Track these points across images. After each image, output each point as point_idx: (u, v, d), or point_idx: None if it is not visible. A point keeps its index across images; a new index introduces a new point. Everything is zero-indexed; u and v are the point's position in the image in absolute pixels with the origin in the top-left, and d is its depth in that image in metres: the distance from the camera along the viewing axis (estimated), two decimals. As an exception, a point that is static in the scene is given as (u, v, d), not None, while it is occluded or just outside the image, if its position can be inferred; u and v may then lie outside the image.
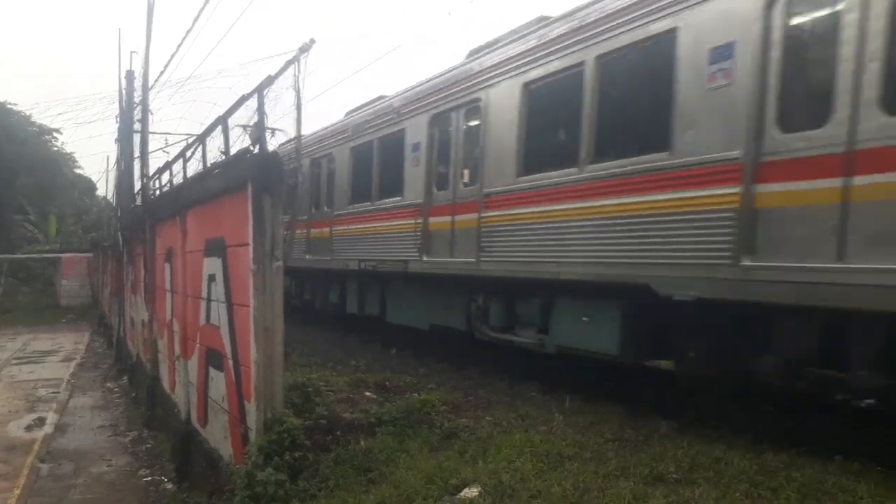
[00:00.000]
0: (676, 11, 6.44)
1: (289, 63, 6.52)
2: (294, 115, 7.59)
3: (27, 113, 36.54)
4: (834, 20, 5.32)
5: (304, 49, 6.56)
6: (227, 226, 6.44)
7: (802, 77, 5.74)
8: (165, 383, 10.10)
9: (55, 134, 40.41)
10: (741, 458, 5.25)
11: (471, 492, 4.67)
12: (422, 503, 4.62)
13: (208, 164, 8.18)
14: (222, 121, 7.46)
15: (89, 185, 46.59)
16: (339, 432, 6.06)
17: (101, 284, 26.75)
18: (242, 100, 6.85)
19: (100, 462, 8.76)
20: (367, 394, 7.80)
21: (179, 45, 12.56)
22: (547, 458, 5.30)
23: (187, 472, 7.65)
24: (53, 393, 12.80)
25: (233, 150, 7.00)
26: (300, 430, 5.47)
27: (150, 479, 8.07)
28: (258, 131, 5.91)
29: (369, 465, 5.55)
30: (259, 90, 6.40)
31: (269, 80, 6.42)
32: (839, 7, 5.28)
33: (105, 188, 35.25)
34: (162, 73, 16.52)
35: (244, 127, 7.14)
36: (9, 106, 36.87)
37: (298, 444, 5.40)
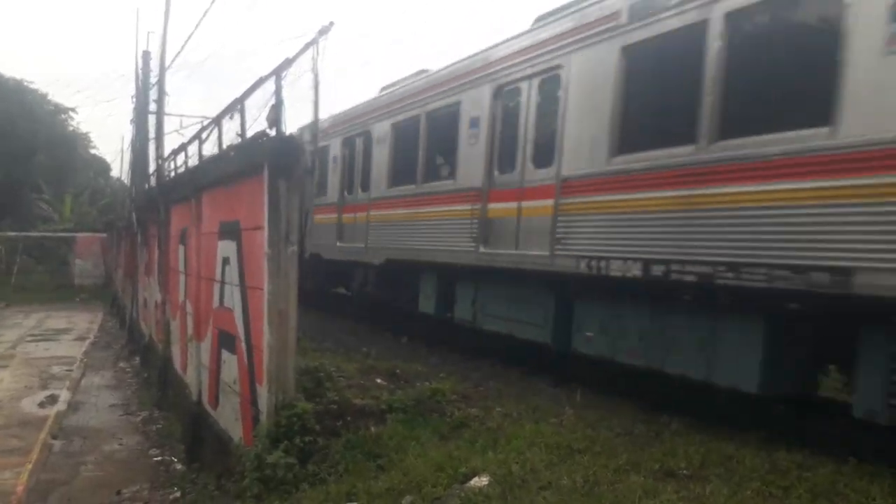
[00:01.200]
0: None
1: (308, 45, 6.50)
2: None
3: (43, 92, 36.82)
4: None
5: (324, 31, 6.52)
6: (242, 209, 6.44)
7: None
8: (177, 364, 10.16)
9: (71, 113, 40.79)
10: (753, 456, 5.21)
11: (480, 481, 4.66)
12: (431, 491, 4.61)
13: (224, 147, 8.18)
14: (238, 103, 7.46)
15: (104, 166, 46.94)
16: (349, 418, 6.06)
17: (115, 265, 26.95)
18: (260, 82, 6.85)
19: (111, 440, 8.84)
20: (378, 381, 7.80)
21: (197, 26, 12.58)
22: (557, 451, 5.28)
23: (197, 453, 7.70)
24: (67, 371, 12.93)
25: (249, 133, 7.00)
26: (311, 415, 5.48)
27: (160, 458, 8.14)
28: (275, 114, 5.89)
29: (379, 451, 5.56)
30: (277, 72, 6.39)
31: (287, 63, 6.41)
32: None
33: (120, 169, 35.52)
34: (178, 53, 16.54)
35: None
36: (25, 84, 37.09)
37: (309, 428, 5.42)
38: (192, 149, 11.29)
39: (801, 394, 6.41)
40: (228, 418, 6.84)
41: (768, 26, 6.14)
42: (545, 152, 8.52)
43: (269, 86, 6.40)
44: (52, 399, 10.66)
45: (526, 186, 8.79)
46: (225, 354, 7.06)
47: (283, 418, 5.36)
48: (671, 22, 6.73)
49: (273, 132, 5.77)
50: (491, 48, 9.93)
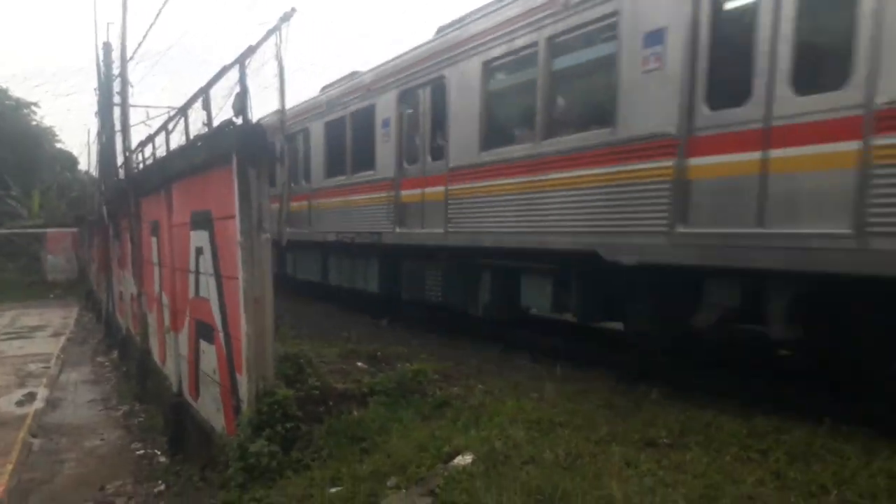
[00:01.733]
0: None
1: (270, 32, 6.39)
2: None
3: (3, 86, 35.89)
4: None
5: (286, 18, 6.41)
6: (212, 198, 6.35)
7: None
8: (156, 356, 10.06)
9: (33, 108, 39.80)
10: (731, 422, 5.32)
11: (464, 459, 4.70)
12: (415, 471, 4.64)
13: (191, 137, 8.05)
14: (203, 92, 7.33)
15: (71, 160, 45.98)
16: (331, 403, 6.07)
17: (88, 259, 26.54)
18: (223, 71, 6.74)
19: (92, 436, 8.75)
20: (359, 364, 7.81)
21: (157, 16, 12.29)
22: (538, 425, 5.34)
23: (180, 445, 7.66)
24: (44, 368, 12.74)
25: (216, 122, 6.89)
26: (292, 401, 5.46)
27: (142, 452, 8.08)
28: (241, 102, 5.80)
29: (362, 434, 5.58)
30: (240, 60, 6.28)
31: (251, 50, 6.31)
32: None
33: (87, 162, 34.84)
34: (140, 44, 16.19)
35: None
36: (-16, 80, 36.11)
37: (290, 415, 5.40)
38: (160, 140, 11.11)
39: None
40: (210, 409, 6.81)
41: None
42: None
43: (234, 75, 6.30)
44: (30, 397, 10.51)
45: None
46: (203, 344, 7.00)
47: (265, 406, 5.34)
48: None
49: (240, 120, 5.66)
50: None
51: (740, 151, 5.69)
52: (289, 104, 15.03)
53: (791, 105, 5.40)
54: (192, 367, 7.50)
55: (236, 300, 5.63)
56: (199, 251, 6.92)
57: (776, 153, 5.45)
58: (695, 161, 6.05)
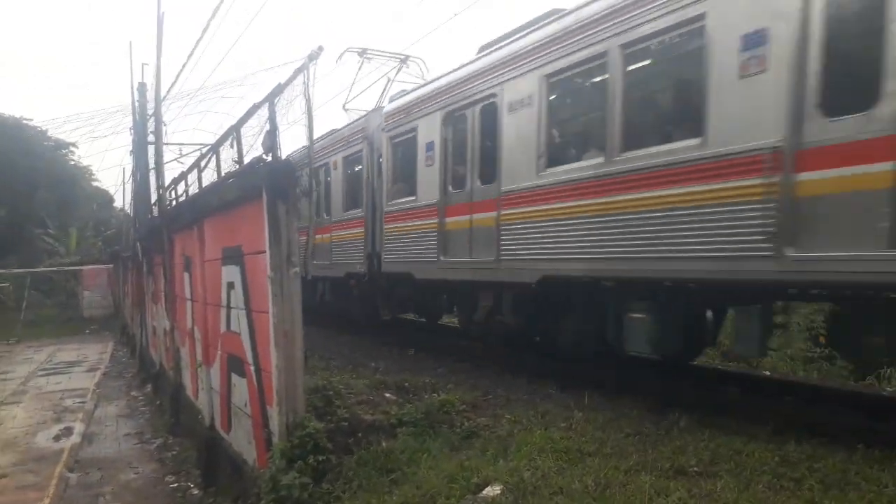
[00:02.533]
0: None
1: (298, 71, 6.60)
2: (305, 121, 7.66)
3: (43, 128, 37.06)
4: None
5: (313, 56, 6.63)
6: (243, 234, 6.52)
7: None
8: (189, 390, 10.22)
9: (71, 148, 40.98)
10: (762, 449, 5.25)
11: (493, 490, 4.71)
12: (445, 502, 4.66)
13: (223, 174, 8.27)
14: (234, 130, 7.56)
15: (107, 198, 47.10)
16: (360, 434, 6.11)
17: (122, 294, 27.06)
18: (254, 109, 6.95)
19: (127, 470, 8.89)
20: (388, 395, 7.85)
21: (189, 56, 12.72)
22: (567, 455, 5.32)
23: (213, 478, 7.75)
24: (80, 403, 12.99)
25: (246, 159, 7.10)
26: (322, 433, 5.53)
27: (176, 485, 8.18)
28: (270, 140, 5.98)
29: (391, 465, 5.60)
30: (269, 99, 6.48)
31: (279, 89, 6.51)
32: None
33: (122, 200, 35.68)
34: (174, 84, 16.70)
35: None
36: (24, 122, 37.40)
37: (321, 447, 5.46)
38: (193, 177, 11.39)
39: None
40: (241, 441, 6.90)
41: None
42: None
43: (264, 112, 6.51)
44: (67, 432, 10.72)
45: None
46: (234, 378, 7.12)
47: (296, 438, 5.41)
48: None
49: (269, 157, 5.83)
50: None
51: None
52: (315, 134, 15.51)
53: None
54: (224, 401, 7.61)
55: (266, 334, 5.74)
56: (230, 286, 7.07)
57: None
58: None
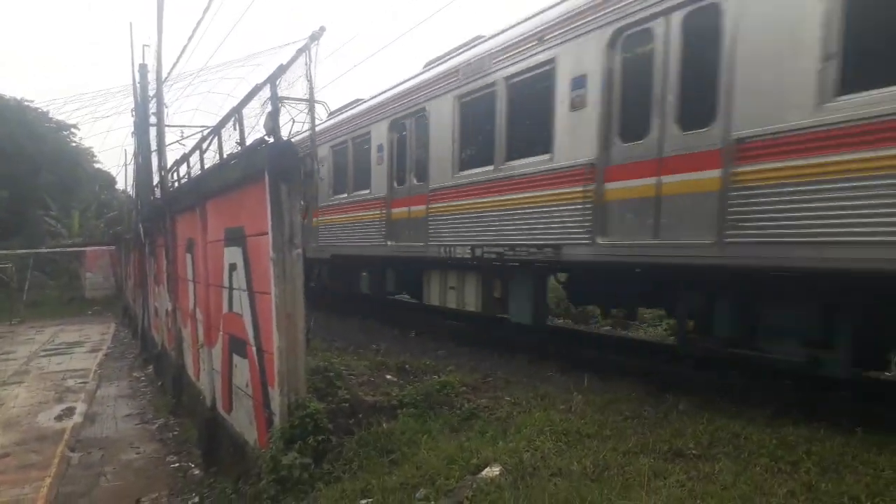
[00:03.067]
0: None
1: (300, 51, 6.56)
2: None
3: (44, 109, 37.02)
4: None
5: (315, 37, 6.59)
6: (245, 215, 6.52)
7: None
8: (190, 371, 10.27)
9: (73, 130, 41.02)
10: (760, 432, 5.28)
11: (492, 471, 4.74)
12: (444, 483, 4.69)
13: (225, 156, 8.25)
14: (236, 112, 7.52)
15: (109, 179, 47.18)
16: (361, 415, 6.15)
17: (125, 276, 27.14)
18: (255, 90, 6.91)
19: (128, 450, 8.96)
20: (388, 377, 7.89)
21: (191, 37, 12.62)
22: (566, 437, 5.36)
23: (214, 458, 7.81)
24: (82, 383, 13.07)
25: (249, 140, 7.07)
26: (323, 414, 5.56)
27: (177, 465, 8.25)
28: (272, 121, 5.96)
29: (391, 446, 5.64)
30: (271, 80, 6.44)
31: (282, 70, 6.47)
32: None
33: (124, 181, 35.69)
34: (175, 65, 16.61)
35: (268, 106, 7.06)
36: (25, 103, 37.34)
37: (321, 427, 5.49)
38: (195, 159, 11.35)
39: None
40: (243, 422, 6.94)
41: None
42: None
43: (266, 93, 6.48)
44: (69, 412, 10.80)
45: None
46: (236, 359, 7.15)
47: (296, 419, 5.45)
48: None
49: (271, 138, 5.82)
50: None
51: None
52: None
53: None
54: (226, 382, 7.65)
55: (269, 315, 5.76)
56: (232, 267, 7.09)
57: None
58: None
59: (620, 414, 6.10)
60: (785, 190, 5.73)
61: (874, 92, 5.13)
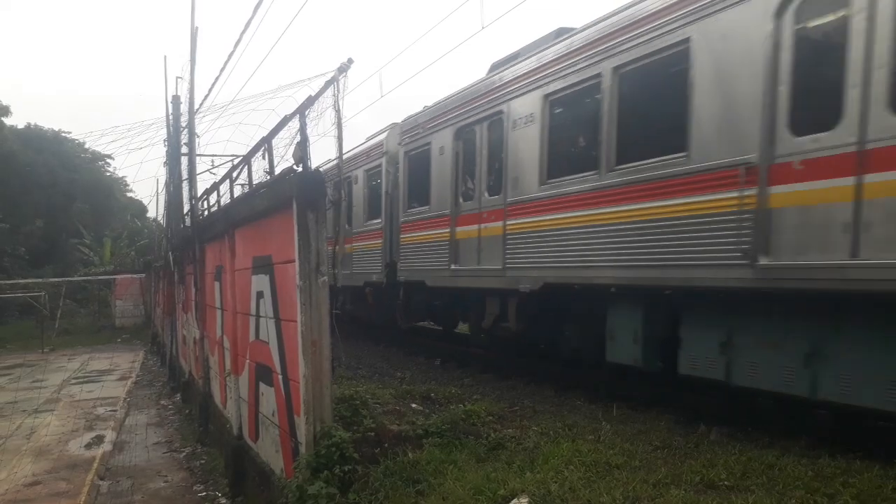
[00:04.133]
0: None
1: (328, 83, 6.66)
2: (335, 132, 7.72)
3: (80, 140, 38.05)
4: None
5: (343, 69, 6.69)
6: (273, 243, 6.60)
7: None
8: (217, 399, 10.33)
9: (107, 160, 42.01)
10: (795, 463, 5.15)
11: (519, 502, 4.67)
12: (471, 514, 4.64)
13: (254, 185, 8.38)
14: (266, 142, 7.65)
15: (141, 208, 48.15)
16: (387, 444, 6.11)
17: (154, 304, 27.51)
18: (284, 121, 7.02)
19: (156, 478, 9.01)
20: (414, 405, 7.86)
21: (222, 70, 12.91)
22: (595, 468, 5.27)
23: (241, 487, 7.81)
24: (111, 411, 13.21)
25: (277, 170, 7.18)
26: (349, 443, 5.53)
27: (204, 494, 8.27)
28: (301, 151, 6.04)
29: (418, 476, 5.59)
30: (300, 111, 6.54)
31: (310, 101, 6.56)
32: None
33: (156, 210, 36.37)
34: (206, 96, 16.95)
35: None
36: (63, 134, 38.43)
37: (347, 456, 5.47)
38: (224, 188, 11.54)
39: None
40: (269, 451, 6.95)
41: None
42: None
43: (295, 124, 6.59)
44: (98, 440, 10.91)
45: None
46: (262, 387, 7.18)
47: (323, 448, 5.43)
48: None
49: (299, 168, 5.90)
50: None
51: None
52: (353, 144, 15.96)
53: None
54: (252, 410, 7.68)
55: (295, 343, 5.79)
56: (259, 295, 7.15)
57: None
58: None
59: (650, 444, 5.98)
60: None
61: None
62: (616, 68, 7.66)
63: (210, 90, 20.03)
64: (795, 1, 5.79)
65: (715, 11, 6.41)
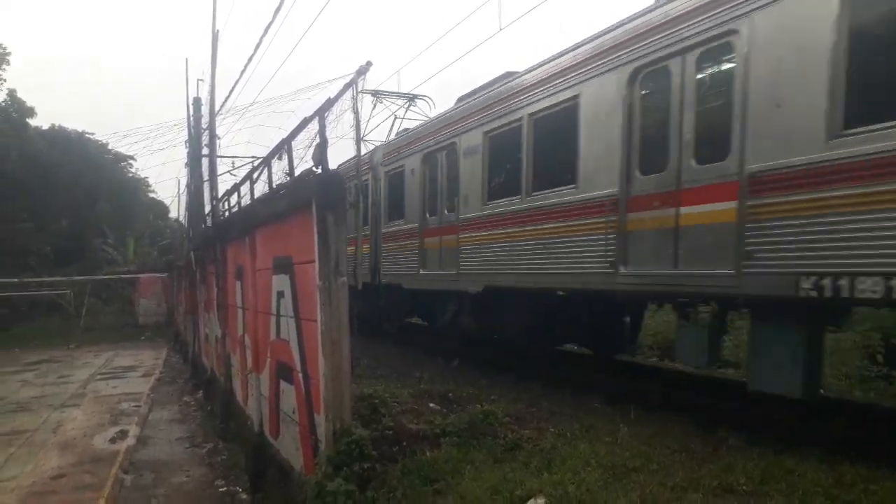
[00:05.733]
0: None
1: (347, 86, 6.75)
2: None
3: (104, 141, 38.58)
4: None
5: (361, 72, 6.78)
6: (293, 244, 6.66)
7: None
8: (239, 397, 10.43)
9: (130, 161, 42.52)
10: (815, 469, 5.12)
11: (537, 503, 4.69)
12: (488, 513, 4.67)
13: (274, 186, 8.48)
14: (286, 143, 7.74)
15: (163, 209, 48.68)
16: (405, 443, 6.17)
17: (176, 302, 27.82)
18: (304, 122, 7.12)
19: (178, 473, 9.12)
20: (432, 405, 7.90)
21: (242, 72, 13.07)
22: (612, 470, 5.28)
23: (261, 483, 7.89)
24: (135, 407, 13.38)
25: (297, 171, 7.27)
26: (368, 441, 5.58)
27: (225, 489, 8.35)
28: (320, 152, 6.12)
29: (435, 475, 5.63)
30: (320, 113, 6.63)
31: (329, 103, 6.65)
32: None
33: (177, 210, 36.83)
34: (227, 99, 17.13)
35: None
36: (87, 136, 38.98)
37: (366, 454, 5.52)
38: (245, 189, 11.68)
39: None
40: (289, 448, 7.01)
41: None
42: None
43: (314, 125, 6.68)
44: (123, 434, 11.05)
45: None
46: (283, 385, 7.25)
47: (342, 445, 5.48)
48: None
49: (319, 170, 5.97)
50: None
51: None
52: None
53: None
54: (273, 407, 7.76)
55: (315, 342, 5.85)
56: (280, 294, 7.23)
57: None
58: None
59: (668, 447, 5.97)
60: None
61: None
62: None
63: (230, 92, 20.27)
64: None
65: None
